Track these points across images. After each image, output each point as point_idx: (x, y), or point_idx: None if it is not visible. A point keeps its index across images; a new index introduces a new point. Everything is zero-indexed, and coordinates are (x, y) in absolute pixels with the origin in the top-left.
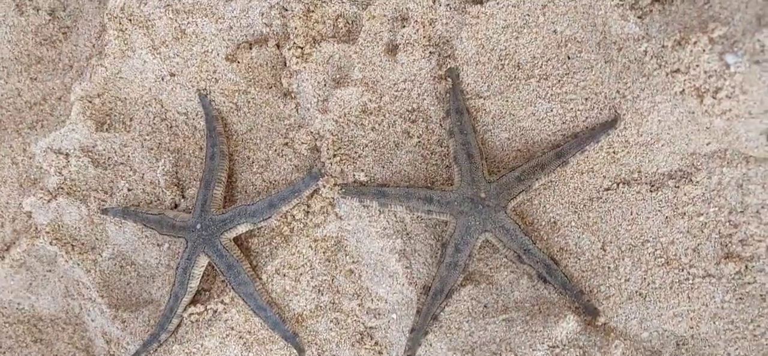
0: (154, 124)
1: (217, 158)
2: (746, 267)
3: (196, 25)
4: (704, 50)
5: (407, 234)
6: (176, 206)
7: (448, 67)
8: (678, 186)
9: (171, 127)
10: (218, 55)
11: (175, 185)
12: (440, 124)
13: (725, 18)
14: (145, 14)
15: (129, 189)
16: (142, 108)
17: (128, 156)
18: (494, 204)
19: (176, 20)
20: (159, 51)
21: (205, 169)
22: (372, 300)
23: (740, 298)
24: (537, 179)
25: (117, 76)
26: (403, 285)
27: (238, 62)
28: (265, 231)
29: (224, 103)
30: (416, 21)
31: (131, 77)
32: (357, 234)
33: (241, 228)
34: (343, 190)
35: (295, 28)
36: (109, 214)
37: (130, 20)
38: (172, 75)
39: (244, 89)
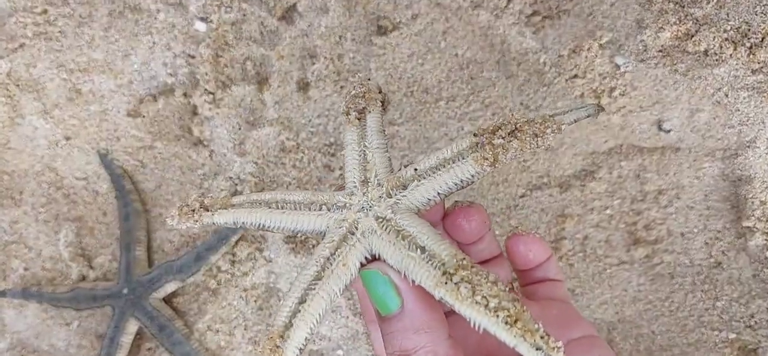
0: (49, 194)
1: (133, 218)
2: (653, 249)
3: (93, 83)
4: (596, 55)
5: None
6: (84, 278)
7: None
8: (584, 185)
9: (68, 195)
10: (119, 112)
11: (80, 256)
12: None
13: (609, 25)
14: (35, 77)
15: (25, 269)
16: (34, 178)
17: (21, 233)
18: None
19: (70, 80)
20: (52, 115)
21: (122, 231)
22: (314, 340)
23: (652, 279)
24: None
25: (5, 147)
26: (348, 318)
27: (142, 117)
28: (190, 288)
29: (128, 161)
30: (325, 57)
31: (21, 147)
32: (288, 275)
33: (170, 287)
34: None
35: (205, 74)
36: (6, 297)
37: (17, 85)
38: (68, 139)
39: (149, 145)
